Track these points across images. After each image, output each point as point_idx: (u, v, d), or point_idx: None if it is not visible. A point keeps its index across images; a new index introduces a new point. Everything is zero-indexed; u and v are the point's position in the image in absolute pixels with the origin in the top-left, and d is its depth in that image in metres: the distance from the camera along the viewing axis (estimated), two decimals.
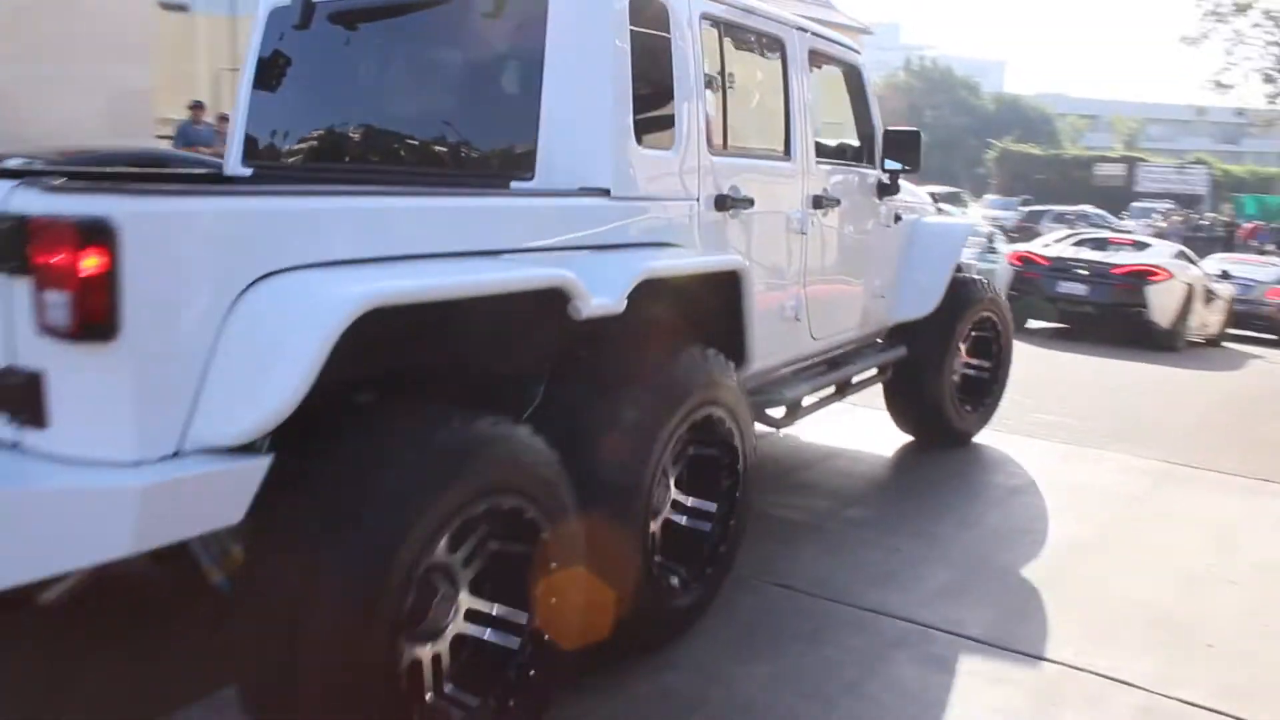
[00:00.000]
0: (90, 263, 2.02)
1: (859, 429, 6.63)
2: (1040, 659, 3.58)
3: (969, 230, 6.79)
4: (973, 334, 6.36)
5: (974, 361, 6.52)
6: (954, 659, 3.55)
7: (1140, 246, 14.08)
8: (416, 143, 3.95)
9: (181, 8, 17.07)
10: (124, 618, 3.46)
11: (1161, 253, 13.61)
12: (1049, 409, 7.73)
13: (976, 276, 6.60)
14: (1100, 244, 14.23)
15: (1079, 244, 14.26)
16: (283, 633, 2.33)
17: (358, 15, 4.06)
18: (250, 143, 4.29)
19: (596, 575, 2.99)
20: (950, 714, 3.22)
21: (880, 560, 4.43)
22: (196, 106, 13.50)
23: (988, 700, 3.29)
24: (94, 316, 2.04)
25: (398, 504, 2.40)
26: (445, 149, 3.85)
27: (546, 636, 2.83)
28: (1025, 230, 26.63)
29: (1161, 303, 12.26)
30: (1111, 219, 34.79)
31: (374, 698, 2.40)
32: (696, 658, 3.46)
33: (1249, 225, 37.77)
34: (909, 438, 6.51)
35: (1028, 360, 8.20)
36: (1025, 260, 13.11)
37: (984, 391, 6.59)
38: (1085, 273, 12.65)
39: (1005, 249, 15.65)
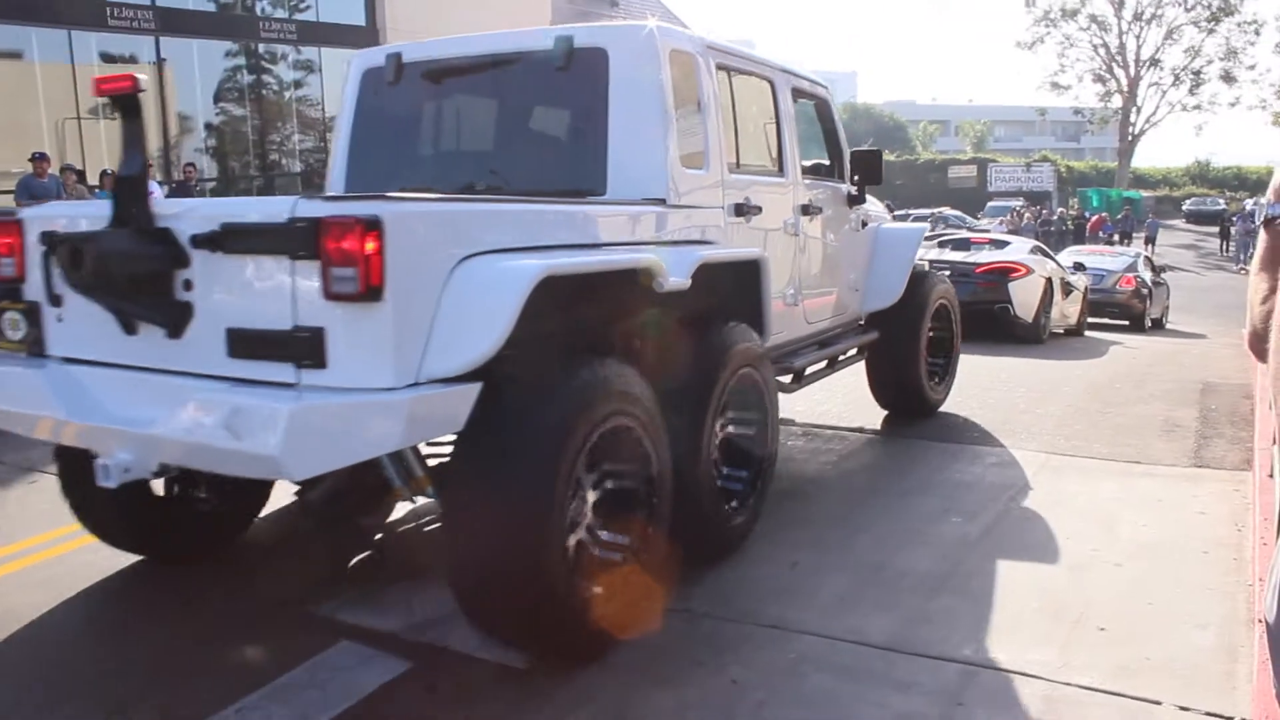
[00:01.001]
0: (369, 246, 2.92)
1: None
2: (942, 659, 3.60)
3: (922, 233, 7.67)
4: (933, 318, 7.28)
5: (935, 338, 7.40)
6: (860, 669, 3.55)
7: (999, 245, 14.54)
8: (502, 172, 4.80)
9: (15, 54, 16.33)
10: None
11: (1020, 249, 14.08)
12: None
13: (931, 270, 7.73)
14: (962, 244, 14.65)
15: (941, 245, 14.66)
16: (486, 527, 3.25)
17: (446, 71, 5.04)
18: (351, 183, 5.14)
19: (679, 481, 4.02)
20: None
21: (778, 573, 4.42)
22: (39, 159, 12.86)
23: (898, 708, 3.28)
24: (371, 283, 2.94)
25: (562, 422, 3.33)
26: (529, 175, 4.71)
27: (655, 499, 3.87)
28: None
29: (1024, 298, 12.68)
30: (969, 219, 36.02)
31: (553, 575, 3.28)
32: (602, 692, 3.38)
33: (1095, 218, 39.58)
34: (791, 447, 6.57)
35: None
36: None
37: (944, 366, 7.66)
38: (949, 273, 12.94)
39: None
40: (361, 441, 3.07)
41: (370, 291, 2.93)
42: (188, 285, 3.29)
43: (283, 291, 3.06)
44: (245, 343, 3.17)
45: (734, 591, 4.22)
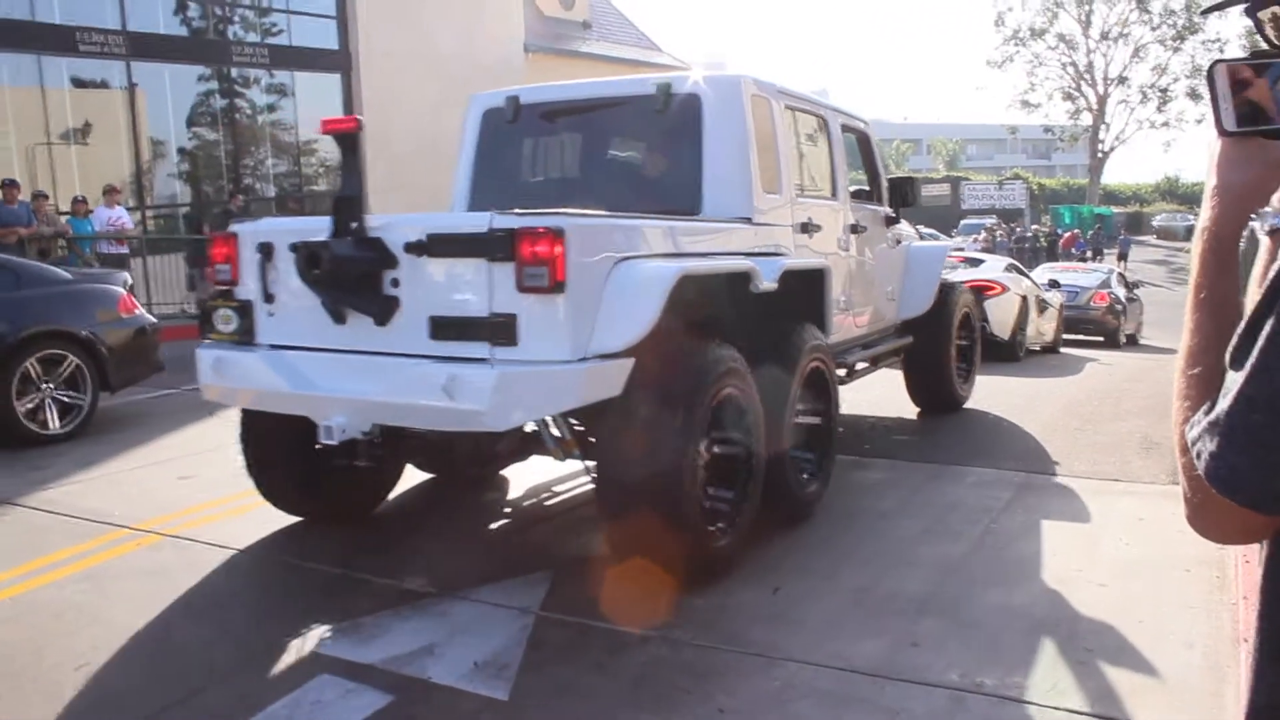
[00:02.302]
0: (556, 250, 3.78)
1: None
2: (929, 685, 3.56)
3: (946, 250, 8.93)
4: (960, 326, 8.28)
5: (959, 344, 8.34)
6: (847, 695, 3.50)
7: (974, 263, 14.59)
8: (608, 196, 5.30)
9: None
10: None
11: (994, 267, 14.13)
12: (906, 430, 7.89)
13: (956, 282, 8.69)
14: None
15: None
16: (638, 462, 4.11)
17: (559, 111, 6.05)
18: (473, 206, 6.00)
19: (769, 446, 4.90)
20: None
21: (763, 598, 4.38)
22: (9, 185, 12.74)
23: None
24: (557, 279, 3.80)
25: (694, 388, 4.25)
26: (632, 198, 5.34)
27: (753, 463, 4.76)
28: None
29: (1000, 316, 12.70)
30: (943, 237, 36.15)
31: (689, 498, 4.19)
32: None
33: (1068, 235, 39.86)
34: None
35: (881, 382, 8.35)
36: None
37: (968, 366, 8.66)
38: None
39: None
40: (547, 401, 4.00)
41: (556, 285, 3.79)
42: (395, 282, 4.15)
43: (481, 286, 3.94)
44: (446, 327, 4.03)
45: (718, 617, 4.17)
